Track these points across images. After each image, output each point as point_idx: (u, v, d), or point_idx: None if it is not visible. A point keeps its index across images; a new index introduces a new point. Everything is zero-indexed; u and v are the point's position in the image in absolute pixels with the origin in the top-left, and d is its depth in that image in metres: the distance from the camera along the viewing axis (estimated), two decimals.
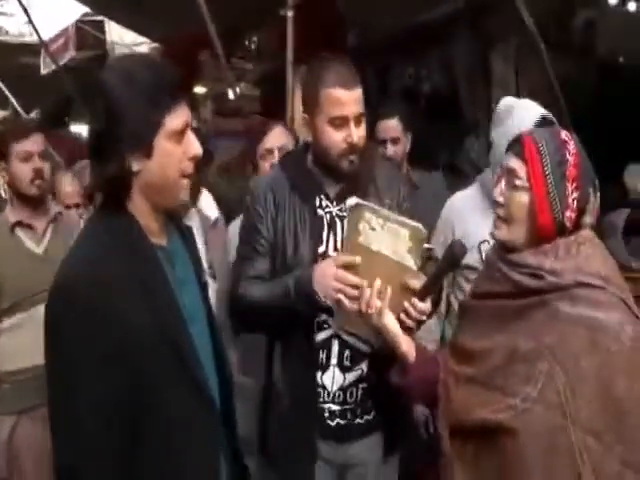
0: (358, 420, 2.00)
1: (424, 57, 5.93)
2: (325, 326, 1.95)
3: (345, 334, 1.90)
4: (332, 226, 1.98)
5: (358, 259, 1.75)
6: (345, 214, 1.85)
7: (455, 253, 1.63)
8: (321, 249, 1.96)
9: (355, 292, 1.72)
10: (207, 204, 2.37)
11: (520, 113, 2.15)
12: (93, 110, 1.44)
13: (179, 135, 1.44)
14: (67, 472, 1.35)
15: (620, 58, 5.86)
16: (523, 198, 1.50)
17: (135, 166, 1.41)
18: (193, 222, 2.23)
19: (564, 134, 1.53)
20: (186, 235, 1.67)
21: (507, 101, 2.27)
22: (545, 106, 4.02)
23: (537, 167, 1.48)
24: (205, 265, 2.18)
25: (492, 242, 1.69)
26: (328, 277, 1.78)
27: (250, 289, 1.98)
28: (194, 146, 1.46)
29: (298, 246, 1.95)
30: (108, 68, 1.50)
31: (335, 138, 1.89)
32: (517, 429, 1.38)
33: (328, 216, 1.99)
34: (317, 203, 1.99)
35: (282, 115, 7.49)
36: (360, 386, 1.97)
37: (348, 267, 1.76)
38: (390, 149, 3.03)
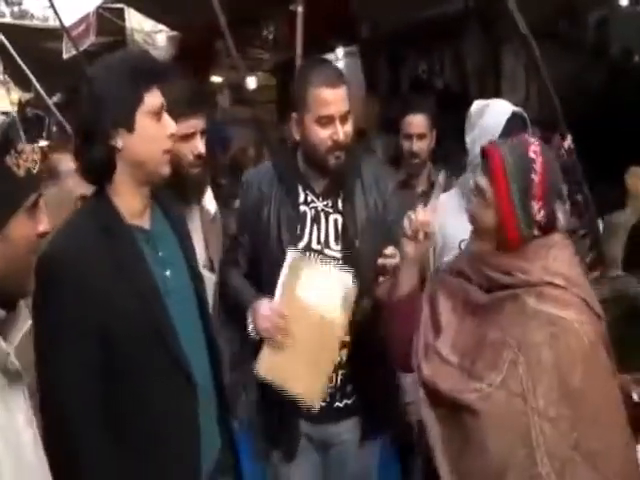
0: (337, 403, 2.09)
1: (436, 52, 5.97)
2: None
3: (260, 377, 2.04)
4: (316, 220, 2.08)
5: (287, 312, 1.98)
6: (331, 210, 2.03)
7: None
8: (302, 243, 2.06)
9: (278, 337, 1.97)
10: (207, 198, 2.46)
11: (492, 112, 2.21)
12: (79, 100, 1.59)
13: (157, 114, 1.59)
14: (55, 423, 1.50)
15: (635, 57, 5.86)
16: (490, 215, 1.59)
17: (119, 142, 1.56)
18: (195, 217, 2.31)
19: (532, 151, 1.58)
20: (175, 221, 1.77)
21: (478, 103, 2.32)
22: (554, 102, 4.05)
23: (502, 187, 1.56)
24: (204, 258, 2.28)
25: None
26: (262, 317, 1.99)
27: (229, 279, 2.16)
28: (171, 124, 1.62)
29: (280, 238, 2.06)
30: (94, 64, 1.67)
31: (322, 136, 1.99)
32: (480, 411, 1.50)
33: (313, 211, 2.09)
34: (302, 198, 2.09)
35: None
36: (340, 372, 2.07)
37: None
38: (416, 144, 3.02)
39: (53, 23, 8.58)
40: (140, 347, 1.57)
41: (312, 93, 1.98)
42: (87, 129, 1.57)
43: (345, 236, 2.05)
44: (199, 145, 2.12)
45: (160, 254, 1.67)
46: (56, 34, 7.98)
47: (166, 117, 1.61)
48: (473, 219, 1.65)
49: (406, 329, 1.69)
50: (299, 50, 3.96)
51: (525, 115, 2.23)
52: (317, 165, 2.06)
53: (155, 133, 1.60)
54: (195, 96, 2.19)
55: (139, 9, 6.90)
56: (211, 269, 2.26)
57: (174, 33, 7.29)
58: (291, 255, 1.99)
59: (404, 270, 1.74)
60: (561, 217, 1.60)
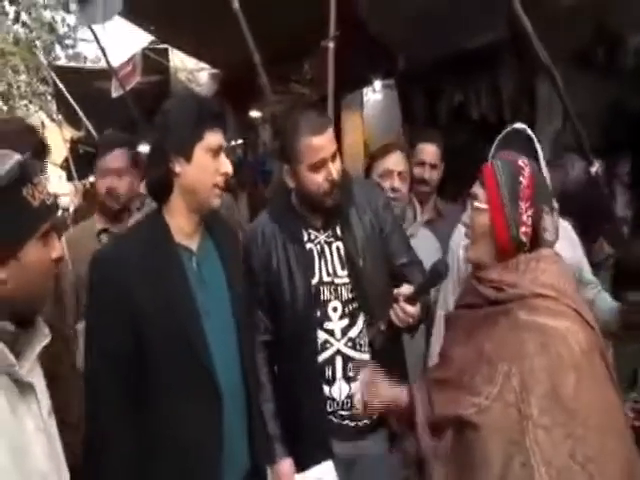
0: (365, 421, 2.17)
1: (472, 83, 5.99)
2: (327, 346, 2.14)
3: None
4: (322, 254, 2.18)
5: None
6: (332, 239, 2.13)
7: (439, 270, 1.87)
8: (315, 280, 2.15)
9: None
10: None
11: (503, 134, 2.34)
12: (153, 127, 1.83)
13: (215, 152, 1.79)
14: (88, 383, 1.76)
15: None
16: (483, 219, 1.68)
17: (177, 168, 1.77)
18: None
19: (521, 161, 1.72)
20: (222, 246, 1.94)
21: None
22: (592, 130, 4.04)
23: (493, 191, 1.67)
24: None
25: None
26: None
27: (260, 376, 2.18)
28: (226, 165, 1.82)
29: (293, 281, 2.14)
30: (170, 98, 1.92)
31: (318, 180, 2.08)
32: (480, 424, 1.55)
33: (318, 246, 2.18)
34: (305, 237, 2.18)
35: (337, 138, 7.72)
36: None
37: None
38: (427, 172, 3.08)
39: (104, 64, 8.92)
40: (169, 356, 1.72)
41: (302, 144, 2.06)
42: (154, 151, 1.81)
43: (349, 260, 2.11)
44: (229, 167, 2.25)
45: (203, 274, 1.83)
46: (105, 75, 8.31)
47: (223, 157, 1.82)
48: (468, 225, 1.74)
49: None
50: (331, 86, 4.04)
51: (526, 129, 2.35)
52: (314, 206, 2.14)
53: (208, 167, 1.80)
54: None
55: (182, 49, 7.15)
56: None
57: (215, 71, 7.53)
58: None
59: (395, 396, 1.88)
60: (550, 228, 1.66)
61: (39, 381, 1.42)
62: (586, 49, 5.16)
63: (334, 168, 2.08)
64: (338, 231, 2.18)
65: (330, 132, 2.10)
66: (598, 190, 3.37)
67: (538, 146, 2.34)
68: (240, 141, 9.51)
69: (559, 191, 5.42)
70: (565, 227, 2.56)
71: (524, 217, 1.65)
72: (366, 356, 2.14)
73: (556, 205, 1.75)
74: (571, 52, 4.95)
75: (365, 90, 7.40)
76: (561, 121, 5.12)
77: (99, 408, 1.72)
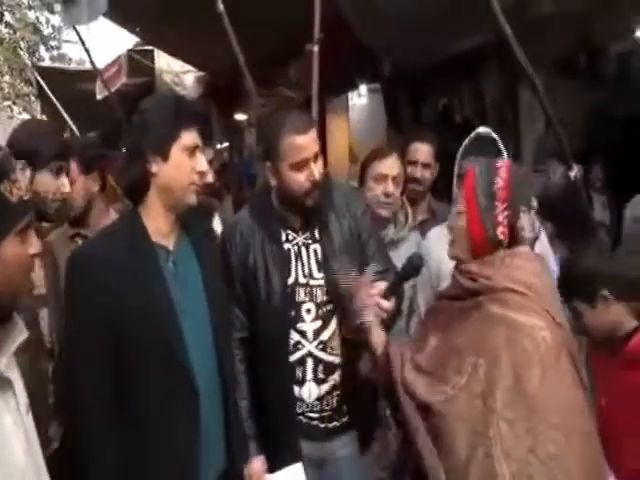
0: (335, 423, 2.17)
1: (456, 88, 6.05)
2: (299, 347, 2.15)
3: None
4: (299, 255, 2.19)
5: None
6: (310, 242, 2.15)
7: (414, 264, 1.90)
8: (290, 280, 2.16)
9: None
10: (216, 224, 2.58)
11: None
12: (129, 127, 1.86)
13: (191, 151, 1.81)
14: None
15: None
16: (461, 221, 1.73)
17: (154, 167, 1.78)
18: None
19: (499, 163, 1.77)
20: (198, 245, 1.94)
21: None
22: (573, 136, 4.08)
23: (470, 194, 1.72)
24: None
25: None
26: None
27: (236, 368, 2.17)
28: (202, 163, 1.84)
29: (269, 279, 2.15)
30: (147, 98, 1.92)
31: (299, 179, 2.09)
32: (446, 413, 1.58)
33: (295, 247, 2.19)
34: (284, 237, 2.19)
35: (323, 141, 7.70)
36: (335, 394, 2.15)
37: None
38: (419, 171, 3.03)
39: (89, 66, 8.90)
40: (147, 355, 1.73)
41: (285, 142, 2.08)
42: (131, 151, 1.83)
43: (326, 263, 2.14)
44: (209, 175, 2.27)
45: (179, 273, 1.84)
46: (90, 76, 8.30)
47: (200, 156, 1.84)
48: (450, 228, 1.80)
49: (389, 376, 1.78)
50: (315, 89, 4.06)
51: (493, 136, 2.37)
52: (295, 206, 2.16)
53: (185, 166, 1.81)
54: (205, 129, 2.32)
55: (167, 51, 7.14)
56: None
57: (201, 73, 7.53)
58: None
59: (372, 336, 1.88)
60: (526, 225, 1.70)
61: (16, 377, 1.42)
62: (569, 56, 5.23)
63: (316, 168, 2.09)
64: (316, 234, 2.19)
65: (313, 132, 2.12)
66: (578, 194, 3.41)
67: (503, 149, 2.37)
68: (226, 144, 9.52)
69: (541, 196, 5.53)
70: (541, 239, 2.58)
71: (500, 217, 1.69)
72: (337, 359, 2.15)
73: (535, 203, 1.78)
74: (554, 58, 5.01)
75: (351, 94, 7.43)
76: (544, 126, 5.19)
77: (79, 409, 1.73)
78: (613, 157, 5.36)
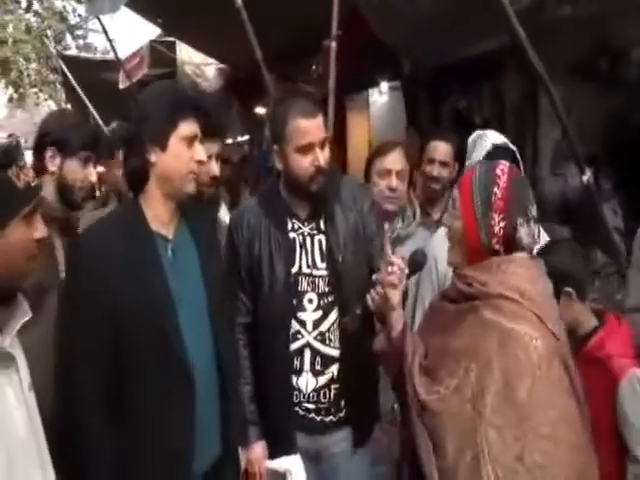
0: (331, 417, 2.19)
1: (475, 88, 6.00)
2: (298, 337, 2.17)
3: None
4: (304, 245, 2.20)
5: None
6: (315, 232, 2.14)
7: (417, 259, 1.90)
8: (294, 269, 2.18)
9: None
10: (223, 213, 2.61)
11: (480, 144, 2.33)
12: (128, 117, 1.88)
13: (190, 141, 1.83)
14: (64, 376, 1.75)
15: None
16: (457, 224, 1.71)
17: (153, 157, 1.81)
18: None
19: (499, 169, 1.71)
20: (198, 235, 1.96)
21: (476, 133, 2.41)
22: (592, 142, 4.03)
23: (467, 199, 1.68)
24: None
25: None
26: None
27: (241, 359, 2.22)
28: (201, 153, 1.87)
29: (273, 267, 2.17)
30: (145, 89, 1.96)
31: (303, 164, 2.10)
32: (439, 412, 1.58)
33: (300, 237, 2.21)
34: (289, 226, 2.21)
35: (343, 138, 7.68)
36: (332, 387, 2.17)
37: None
38: (437, 170, 3.00)
39: (112, 56, 8.97)
40: (144, 344, 1.75)
41: (291, 125, 2.11)
42: (131, 142, 1.86)
43: (330, 254, 2.15)
44: (214, 168, 2.34)
45: (178, 261, 1.87)
46: (114, 66, 8.38)
47: (198, 145, 1.87)
48: (447, 230, 1.78)
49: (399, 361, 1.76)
50: (332, 84, 4.07)
51: (511, 147, 2.29)
52: (300, 192, 2.17)
53: (183, 156, 1.84)
54: (210, 123, 2.34)
55: (189, 43, 7.17)
56: None
57: (222, 66, 7.56)
58: None
59: (393, 314, 1.80)
60: (525, 236, 1.67)
61: (19, 354, 1.46)
62: (587, 60, 5.16)
63: (321, 155, 2.11)
64: (322, 225, 2.21)
65: (320, 119, 2.14)
66: (592, 199, 3.38)
67: (520, 162, 2.32)
68: (246, 137, 9.54)
69: (558, 200, 5.46)
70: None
71: (496, 229, 1.66)
72: (335, 352, 2.16)
73: (534, 213, 1.72)
74: (572, 62, 4.95)
75: (371, 91, 7.41)
76: (562, 128, 5.13)
77: (77, 406, 1.73)
78: (629, 162, 5.28)
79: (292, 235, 2.20)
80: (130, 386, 1.75)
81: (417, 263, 1.90)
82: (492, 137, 2.36)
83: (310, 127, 2.10)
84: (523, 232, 1.67)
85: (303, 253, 2.19)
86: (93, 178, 2.31)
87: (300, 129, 2.09)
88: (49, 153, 2.26)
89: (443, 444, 1.56)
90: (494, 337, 1.57)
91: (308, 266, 2.18)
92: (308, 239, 2.20)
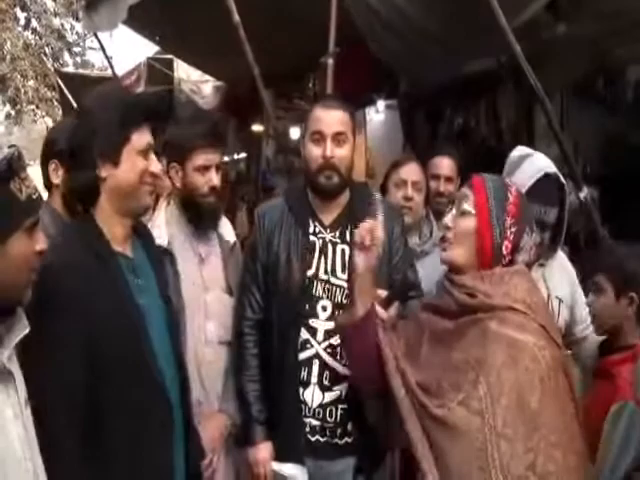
0: (337, 440, 2.12)
1: (472, 107, 6.03)
2: (308, 346, 2.11)
3: None
4: (324, 250, 2.17)
5: None
6: (339, 241, 2.12)
7: (407, 281, 1.94)
8: (310, 272, 2.14)
9: None
10: (226, 231, 2.59)
11: (527, 167, 2.24)
12: (73, 129, 1.73)
13: (144, 153, 1.70)
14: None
15: None
16: (469, 222, 1.69)
17: (103, 172, 1.67)
18: (214, 242, 2.46)
19: (507, 181, 1.78)
20: (152, 252, 1.88)
21: (520, 150, 2.35)
22: (588, 161, 4.01)
23: (482, 197, 1.68)
24: (222, 281, 2.42)
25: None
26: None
27: (243, 349, 2.22)
28: (155, 164, 1.73)
29: (290, 265, 2.14)
30: (89, 96, 1.78)
31: (314, 153, 2.12)
32: (446, 421, 1.56)
33: (320, 241, 2.17)
34: (312, 229, 2.18)
35: None
36: (339, 406, 2.11)
37: None
38: (442, 185, 3.01)
39: (110, 72, 8.99)
40: (122, 365, 1.65)
41: (311, 114, 2.15)
42: (79, 155, 1.70)
43: (352, 266, 2.09)
44: (214, 178, 2.30)
45: (139, 281, 1.77)
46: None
47: (152, 156, 1.74)
48: (450, 229, 1.73)
49: (365, 348, 1.74)
50: None
51: (559, 176, 2.24)
52: (310, 185, 2.17)
53: (137, 169, 1.70)
54: (213, 132, 2.33)
55: (187, 60, 7.19)
56: (230, 293, 2.42)
57: (220, 83, 7.56)
58: None
59: (358, 291, 1.79)
60: (526, 248, 1.68)
61: (17, 370, 1.43)
62: (584, 80, 5.19)
63: (331, 148, 2.10)
64: (347, 235, 2.17)
65: (338, 114, 2.14)
66: (589, 217, 3.37)
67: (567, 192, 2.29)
68: (243, 155, 9.54)
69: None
70: (562, 258, 2.51)
71: (508, 232, 1.67)
72: (346, 370, 2.08)
73: (534, 228, 1.76)
74: (569, 82, 4.97)
75: (368, 109, 7.43)
76: (558, 147, 5.14)
77: (55, 446, 1.53)
78: (625, 184, 5.29)
79: (312, 238, 2.18)
80: (108, 412, 1.64)
81: (407, 285, 1.89)
82: (540, 164, 2.26)
83: (324, 116, 2.12)
84: (526, 241, 1.69)
85: (322, 259, 2.16)
86: None
87: (314, 116, 2.14)
88: (52, 166, 2.24)
89: (446, 456, 1.54)
90: (503, 349, 1.56)
91: (326, 272, 2.14)
92: (329, 246, 2.17)
